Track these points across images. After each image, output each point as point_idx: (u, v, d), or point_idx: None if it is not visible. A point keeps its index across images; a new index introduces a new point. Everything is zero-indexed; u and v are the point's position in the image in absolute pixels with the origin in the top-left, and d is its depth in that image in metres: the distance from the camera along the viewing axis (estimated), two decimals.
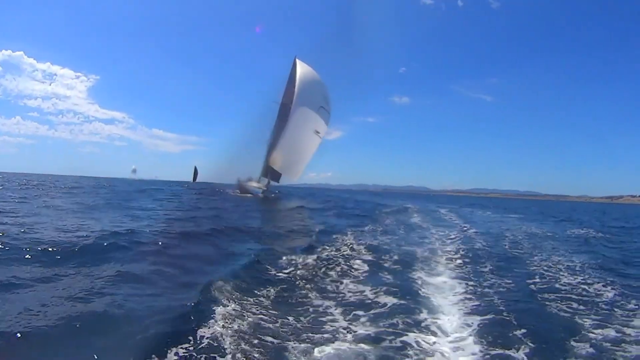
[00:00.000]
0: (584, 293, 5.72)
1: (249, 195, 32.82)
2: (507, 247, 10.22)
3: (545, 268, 7.47)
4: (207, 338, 3.46)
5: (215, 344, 3.35)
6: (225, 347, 3.32)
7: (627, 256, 9.64)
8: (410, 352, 3.52)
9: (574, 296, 5.50)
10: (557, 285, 6.16)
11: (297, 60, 32.53)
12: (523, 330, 4.05)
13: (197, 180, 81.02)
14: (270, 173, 35.64)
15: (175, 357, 3.15)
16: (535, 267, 7.55)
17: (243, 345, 3.39)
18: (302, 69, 31.54)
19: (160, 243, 7.40)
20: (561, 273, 7.03)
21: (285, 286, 5.43)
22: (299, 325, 4.09)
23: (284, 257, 7.06)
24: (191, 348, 3.29)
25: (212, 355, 3.19)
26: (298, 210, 20.36)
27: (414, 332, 3.97)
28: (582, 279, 6.58)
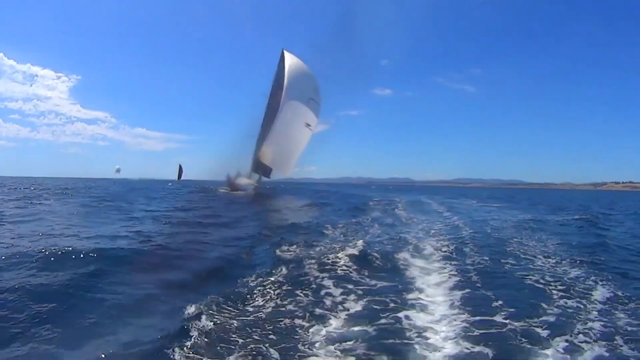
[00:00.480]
0: (554, 271, 6.48)
1: (241, 192, 32.99)
2: (490, 233, 10.83)
3: (522, 251, 8.18)
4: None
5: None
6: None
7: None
8: (401, 326, 4.04)
9: (546, 274, 6.19)
10: (531, 265, 6.91)
11: (285, 52, 32.57)
12: (500, 302, 4.75)
13: (182, 178, 79.92)
14: (261, 168, 35.70)
15: None
16: (513, 250, 8.29)
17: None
18: (290, 61, 31.60)
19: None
20: (537, 256, 7.74)
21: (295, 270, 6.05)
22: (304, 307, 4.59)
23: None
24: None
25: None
26: (309, 209, 19.62)
27: (404, 309, 4.51)
28: (555, 261, 7.34)
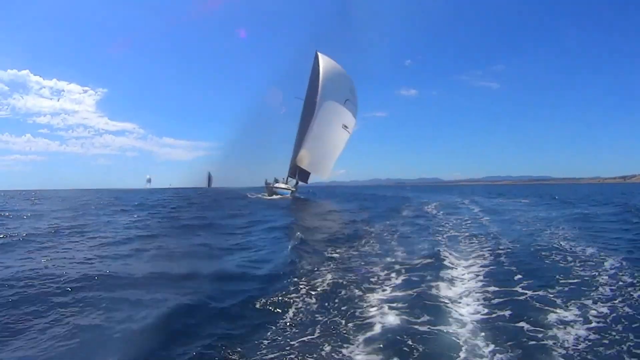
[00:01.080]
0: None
1: (277, 197, 32.50)
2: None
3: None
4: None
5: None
6: None
7: None
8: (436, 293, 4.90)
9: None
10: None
11: (319, 54, 31.96)
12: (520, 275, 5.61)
13: (212, 185, 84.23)
14: (299, 173, 35.08)
15: None
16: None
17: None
18: (324, 62, 31.11)
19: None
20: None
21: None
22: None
23: None
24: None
25: None
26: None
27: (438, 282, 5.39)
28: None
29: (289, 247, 7.79)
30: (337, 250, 7.78)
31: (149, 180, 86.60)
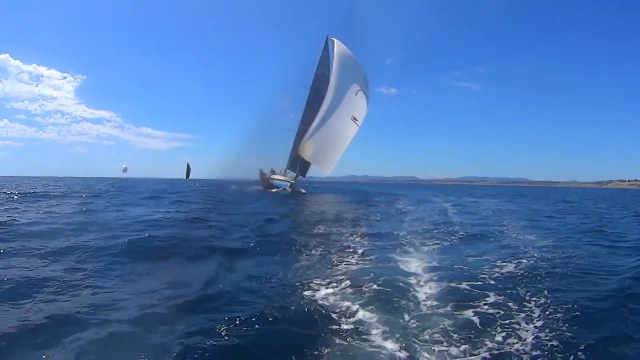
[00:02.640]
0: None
1: (274, 190, 30.44)
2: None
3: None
4: None
5: None
6: None
7: None
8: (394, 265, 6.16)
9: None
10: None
11: (335, 40, 29.88)
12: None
13: (190, 177, 79.25)
14: (300, 165, 33.04)
15: None
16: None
17: None
18: (339, 49, 29.18)
19: None
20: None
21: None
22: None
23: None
24: None
25: None
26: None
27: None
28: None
29: None
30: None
31: (125, 170, 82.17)
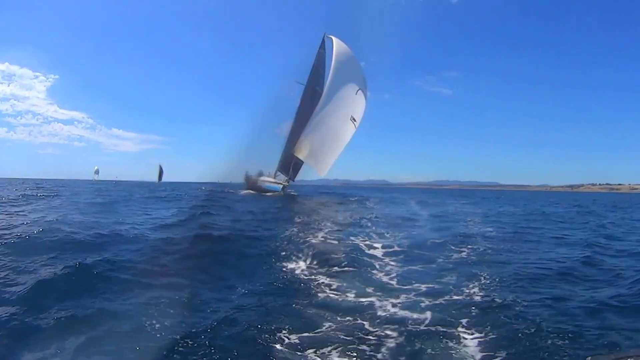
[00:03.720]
0: None
1: (267, 193, 28.50)
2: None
3: None
4: None
5: None
6: None
7: None
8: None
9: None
10: None
11: (333, 37, 28.87)
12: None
13: (162, 180, 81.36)
14: (293, 166, 31.23)
15: None
16: None
17: None
18: (338, 46, 28.19)
19: None
20: None
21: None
22: None
23: None
24: None
25: None
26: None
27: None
28: None
29: None
30: None
31: (96, 172, 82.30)
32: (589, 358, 2.05)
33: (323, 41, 30.92)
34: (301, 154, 28.37)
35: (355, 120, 28.45)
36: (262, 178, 31.24)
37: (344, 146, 28.97)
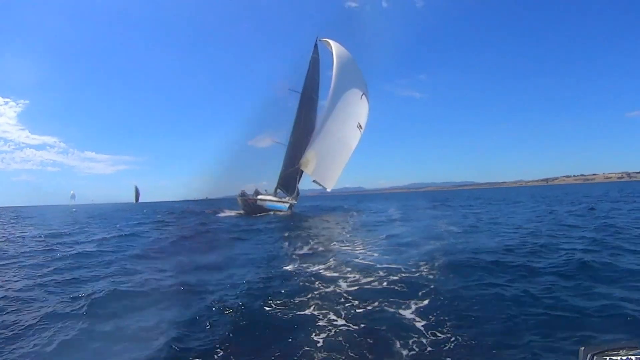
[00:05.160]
0: None
1: (269, 213, 25.95)
2: None
3: None
4: None
5: None
6: None
7: None
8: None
9: None
10: None
11: (330, 41, 26.98)
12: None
13: (139, 200, 79.34)
14: (289, 181, 28.88)
15: None
16: None
17: None
18: (337, 49, 26.42)
19: None
20: None
21: None
22: None
23: None
24: None
25: None
26: None
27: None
28: None
29: None
30: None
31: (73, 197, 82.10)
32: (582, 348, 1.91)
33: (316, 45, 29.04)
34: (308, 169, 26.13)
35: (361, 127, 26.78)
36: (262, 197, 28.46)
37: (349, 156, 27.18)
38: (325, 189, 27.60)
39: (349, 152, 26.85)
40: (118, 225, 20.37)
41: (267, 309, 4.93)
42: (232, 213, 28.62)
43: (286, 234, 13.21)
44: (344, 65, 26.01)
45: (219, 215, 27.41)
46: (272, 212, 26.66)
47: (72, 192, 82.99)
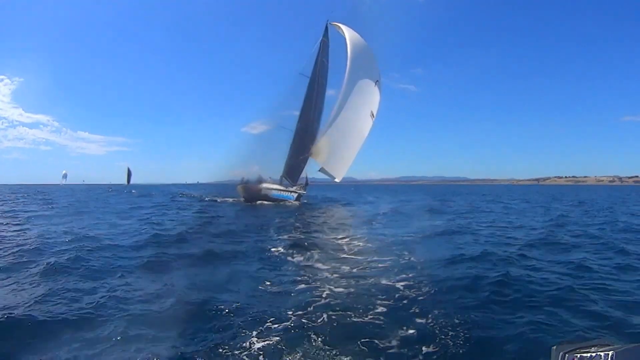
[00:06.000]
0: None
1: (270, 202, 25.05)
2: None
3: None
4: None
5: None
6: None
7: None
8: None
9: None
10: None
11: (341, 25, 25.76)
12: None
13: (131, 182, 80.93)
14: (295, 170, 27.89)
15: None
16: None
17: None
18: (350, 34, 25.32)
19: None
20: None
21: None
22: None
23: None
24: None
25: None
26: None
27: None
28: None
29: None
30: None
31: (64, 176, 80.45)
32: (554, 347, 1.91)
33: (326, 29, 27.72)
34: (320, 157, 25.17)
35: (373, 116, 25.90)
36: (266, 185, 27.33)
37: (361, 146, 26.31)
38: (334, 178, 26.80)
39: (361, 141, 26.01)
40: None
41: None
42: (230, 200, 27.48)
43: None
44: (358, 51, 24.94)
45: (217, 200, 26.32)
46: (280, 202, 25.74)
47: (64, 172, 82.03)
